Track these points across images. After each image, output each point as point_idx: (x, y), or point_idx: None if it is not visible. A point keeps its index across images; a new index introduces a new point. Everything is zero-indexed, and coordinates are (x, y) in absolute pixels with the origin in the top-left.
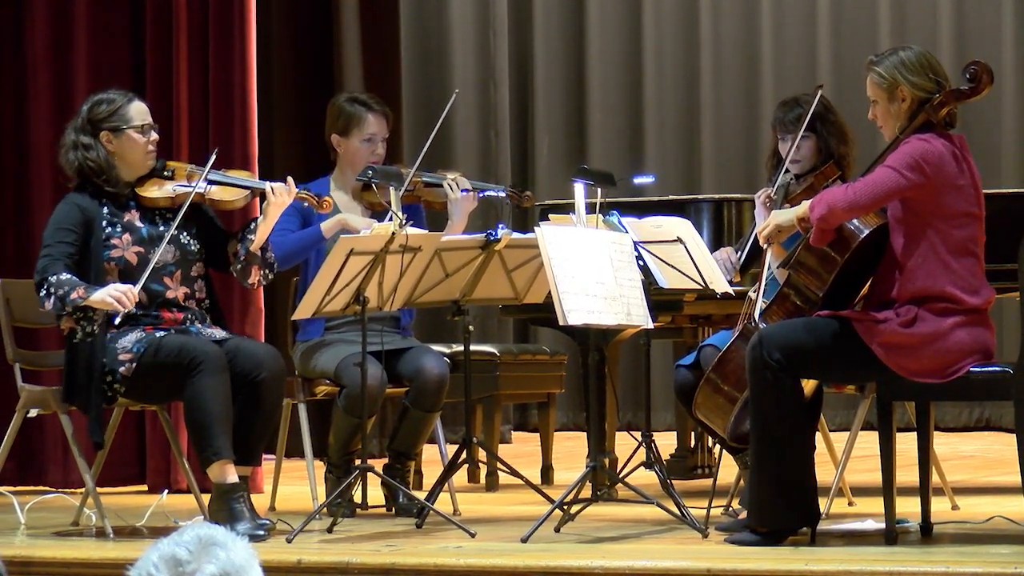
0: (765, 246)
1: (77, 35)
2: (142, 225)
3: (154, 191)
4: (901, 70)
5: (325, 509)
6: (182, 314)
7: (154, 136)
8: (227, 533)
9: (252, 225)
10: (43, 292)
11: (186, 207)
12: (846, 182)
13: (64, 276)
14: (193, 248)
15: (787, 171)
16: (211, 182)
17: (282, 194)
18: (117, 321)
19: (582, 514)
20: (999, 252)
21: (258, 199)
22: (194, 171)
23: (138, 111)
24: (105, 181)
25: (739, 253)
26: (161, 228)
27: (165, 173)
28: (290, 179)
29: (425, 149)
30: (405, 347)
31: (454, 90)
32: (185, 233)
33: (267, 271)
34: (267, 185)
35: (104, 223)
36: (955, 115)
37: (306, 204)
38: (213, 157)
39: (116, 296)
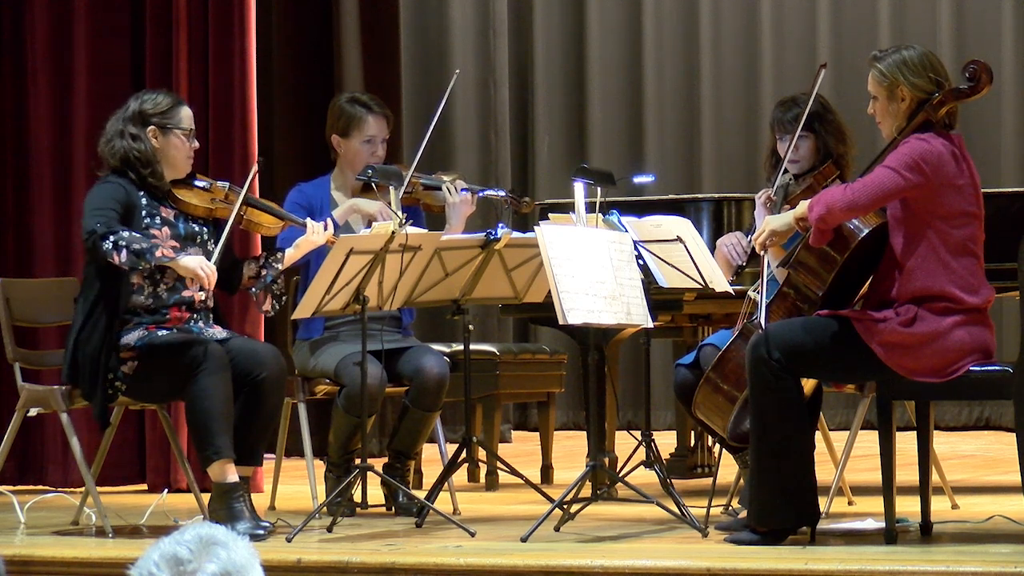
0: (762, 252)
1: (77, 35)
2: (177, 223)
3: (193, 197)
4: (903, 70)
5: (325, 508)
6: (187, 313)
7: (195, 144)
8: (228, 532)
9: (279, 254)
10: (109, 245)
11: (231, 224)
12: (845, 181)
13: (136, 233)
14: (216, 258)
15: (786, 171)
16: (250, 205)
17: (319, 233)
18: (196, 292)
19: (582, 513)
20: (999, 252)
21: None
22: (231, 191)
23: (186, 116)
24: (150, 173)
25: (749, 236)
26: (195, 228)
27: (201, 185)
28: (329, 221)
29: (426, 140)
30: (405, 346)
31: (455, 88)
32: (211, 241)
33: (276, 302)
34: (308, 220)
35: (143, 212)
36: (956, 115)
37: (331, 245)
38: (252, 173)
39: (206, 272)
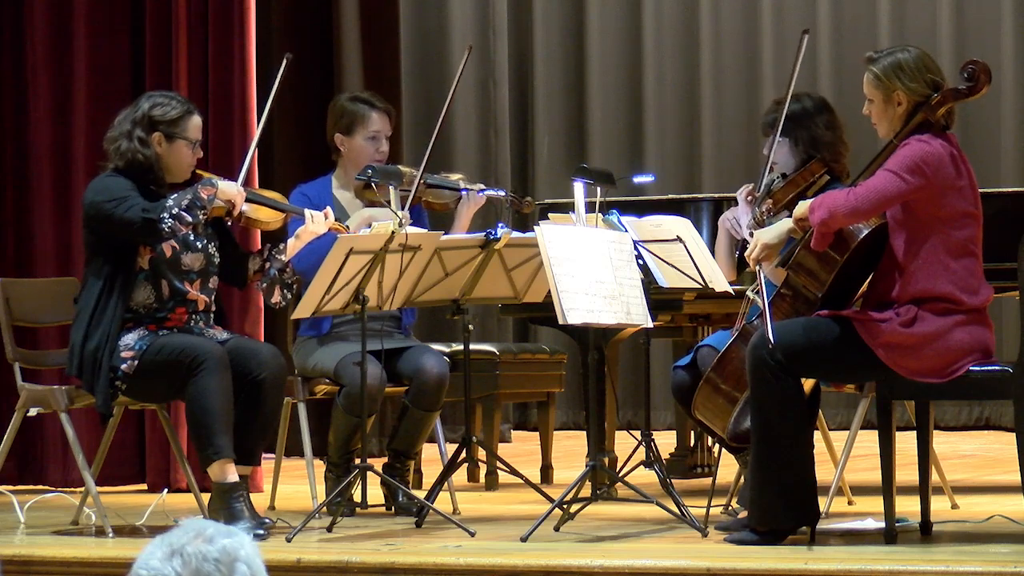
0: (757, 268)
1: (77, 34)
2: None
3: None
4: (899, 74)
5: (325, 508)
6: (187, 314)
7: (199, 152)
8: (246, 538)
9: (281, 245)
10: (168, 222)
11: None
12: (837, 180)
13: (171, 194)
14: (216, 260)
15: (771, 170)
16: (249, 201)
17: (320, 222)
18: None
19: (582, 513)
20: (999, 251)
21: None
22: None
23: (194, 126)
24: (152, 180)
25: (757, 182)
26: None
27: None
28: (328, 210)
29: (438, 127)
30: (405, 346)
31: (457, 83)
32: (211, 244)
33: (287, 291)
34: (306, 211)
35: None
36: (953, 115)
37: (340, 234)
38: (278, 77)
39: (241, 197)
